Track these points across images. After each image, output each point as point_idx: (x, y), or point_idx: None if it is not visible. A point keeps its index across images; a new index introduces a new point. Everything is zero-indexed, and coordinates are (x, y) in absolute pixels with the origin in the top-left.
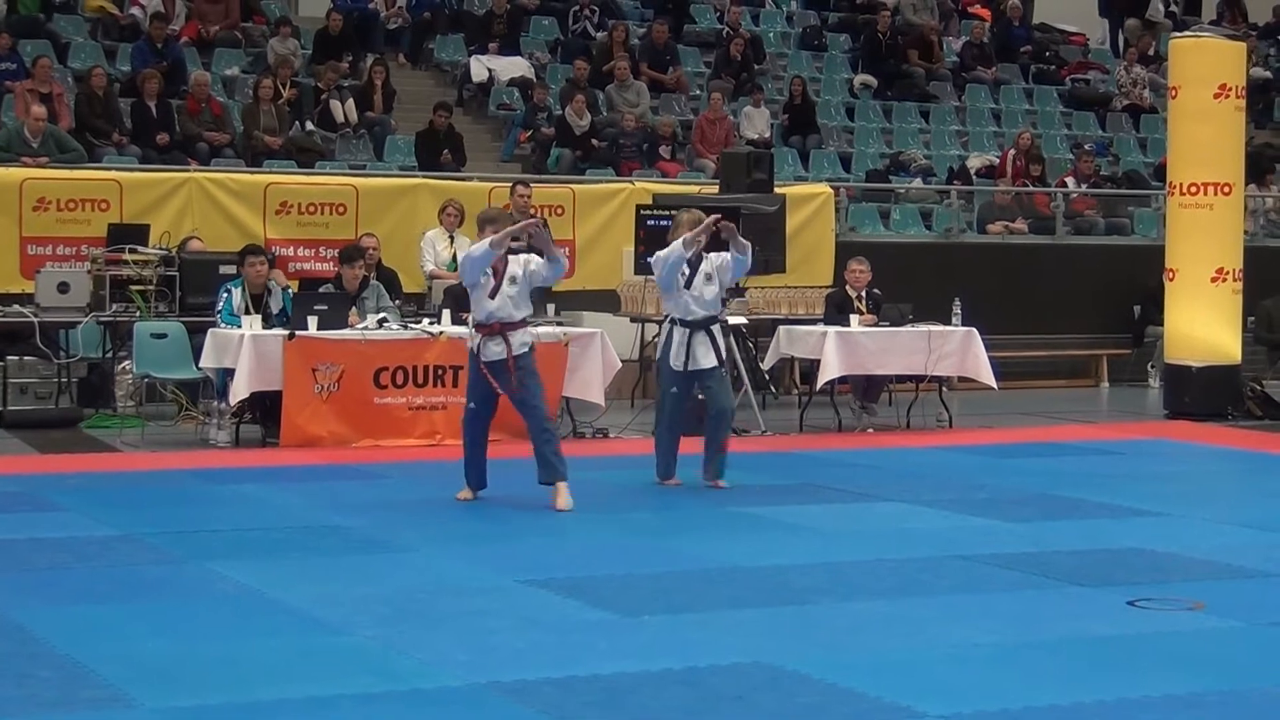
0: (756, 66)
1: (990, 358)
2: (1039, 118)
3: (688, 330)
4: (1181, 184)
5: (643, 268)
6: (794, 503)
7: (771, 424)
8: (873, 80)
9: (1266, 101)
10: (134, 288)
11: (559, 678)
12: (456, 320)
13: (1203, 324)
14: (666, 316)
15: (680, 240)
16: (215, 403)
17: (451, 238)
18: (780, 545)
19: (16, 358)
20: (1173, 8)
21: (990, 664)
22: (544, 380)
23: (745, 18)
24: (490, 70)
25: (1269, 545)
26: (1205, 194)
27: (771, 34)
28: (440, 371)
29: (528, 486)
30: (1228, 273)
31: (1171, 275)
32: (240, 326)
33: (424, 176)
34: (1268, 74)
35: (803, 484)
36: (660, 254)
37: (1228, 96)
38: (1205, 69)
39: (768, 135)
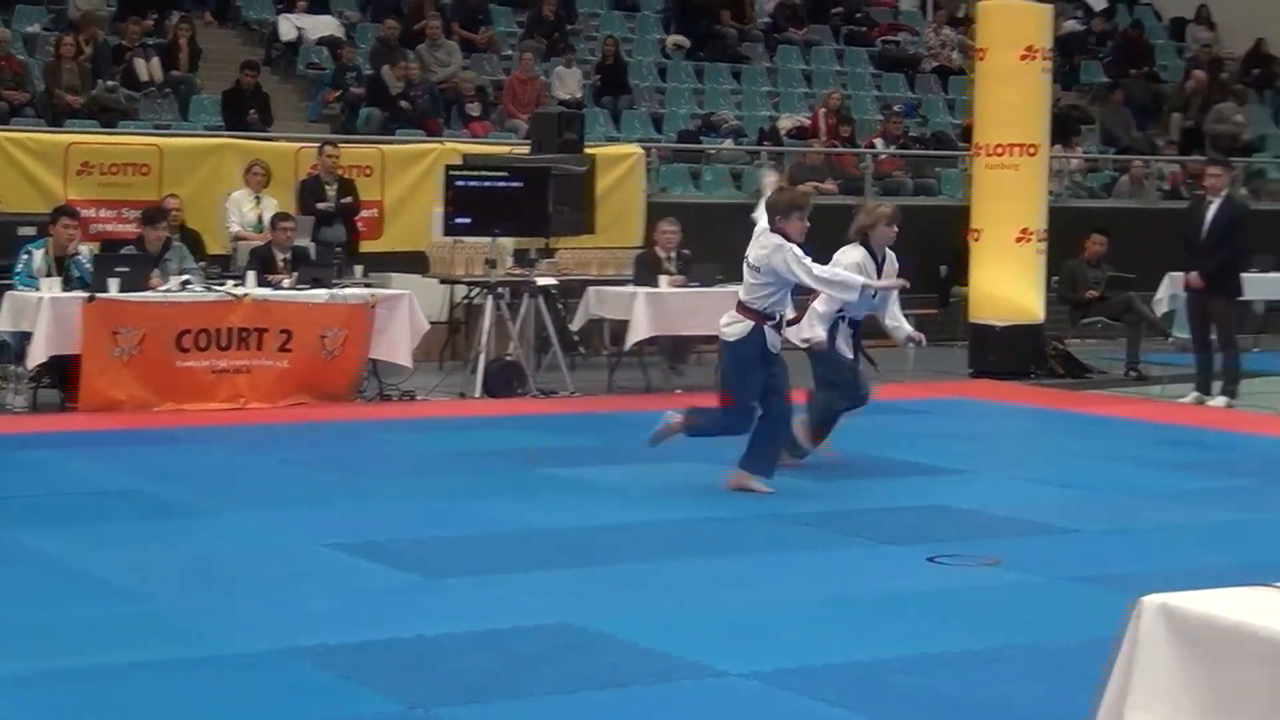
0: (569, 26)
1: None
2: (849, 79)
3: (852, 330)
4: (987, 145)
5: (452, 229)
6: (601, 464)
7: (580, 385)
8: (685, 41)
9: (1073, 64)
10: None
11: (360, 641)
12: (262, 282)
13: (1007, 283)
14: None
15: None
16: (12, 367)
17: (258, 198)
18: (587, 506)
19: None
20: None
21: (792, 622)
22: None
23: None
24: (299, 29)
25: (1067, 501)
26: (1010, 155)
27: None
28: (245, 334)
29: (334, 449)
30: (1032, 233)
31: (976, 235)
32: (38, 289)
33: (230, 136)
34: (1080, 29)
35: (610, 445)
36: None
37: (1034, 59)
38: (1012, 31)
39: (579, 95)
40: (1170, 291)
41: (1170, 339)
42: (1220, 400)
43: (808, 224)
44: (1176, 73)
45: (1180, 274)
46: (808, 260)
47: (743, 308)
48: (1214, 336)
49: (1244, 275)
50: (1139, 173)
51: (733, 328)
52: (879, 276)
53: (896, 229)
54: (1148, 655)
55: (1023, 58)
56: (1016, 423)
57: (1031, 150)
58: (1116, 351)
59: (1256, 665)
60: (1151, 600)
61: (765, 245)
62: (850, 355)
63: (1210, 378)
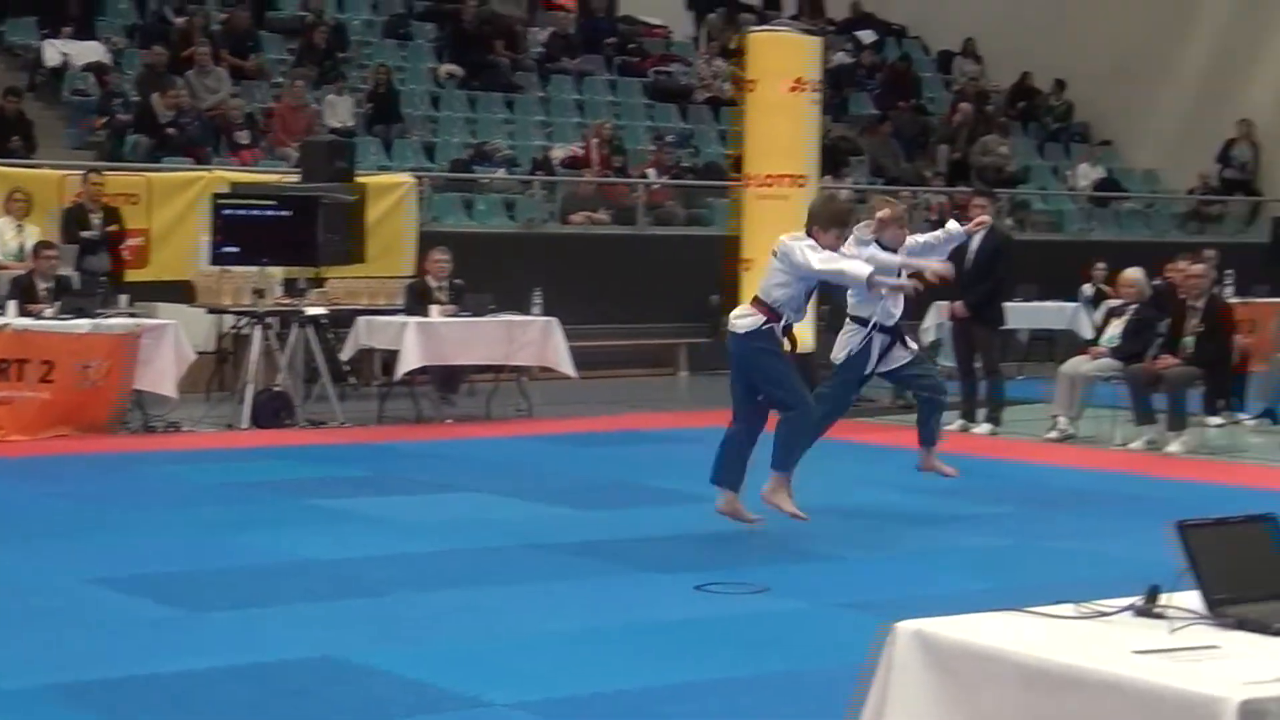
0: (340, 54)
1: (571, 347)
2: (622, 109)
3: (888, 336)
4: (757, 176)
5: (219, 258)
6: (370, 494)
7: (350, 415)
8: (458, 70)
9: (842, 96)
10: None
11: (119, 678)
12: (23, 312)
13: None
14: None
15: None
16: None
17: (19, 226)
18: (355, 538)
19: None
20: (755, 2)
21: (560, 651)
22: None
23: (329, 5)
24: (64, 55)
25: (836, 528)
26: (780, 186)
27: (356, 22)
28: (4, 365)
29: (96, 482)
30: None
31: (747, 265)
32: None
33: None
34: (850, 61)
35: (380, 475)
36: (865, 256)
37: (803, 90)
38: (781, 63)
39: (351, 124)
40: (936, 320)
41: (937, 367)
42: (984, 428)
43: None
44: (944, 105)
45: (945, 303)
46: (823, 252)
47: (756, 300)
48: (978, 365)
49: (1007, 305)
50: (906, 203)
51: (742, 320)
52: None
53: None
54: (901, 680)
55: (792, 89)
56: None
57: (801, 181)
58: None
59: (1007, 688)
60: (905, 626)
61: (795, 237)
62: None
63: (975, 405)
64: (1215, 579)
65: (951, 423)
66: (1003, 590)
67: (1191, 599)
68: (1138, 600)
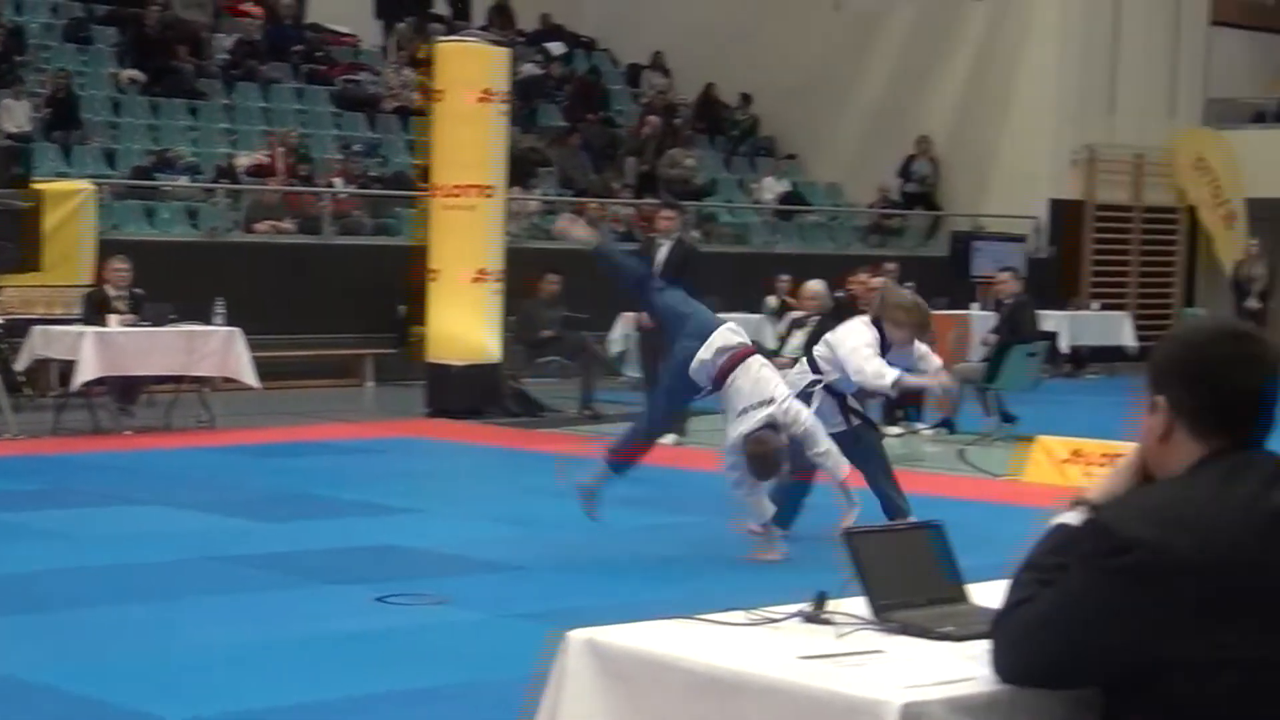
0: (17, 58)
1: (255, 358)
2: (309, 117)
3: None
4: (445, 186)
5: None
6: (45, 508)
7: (25, 427)
8: (140, 76)
9: (531, 107)
10: None
11: None
12: None
13: (464, 324)
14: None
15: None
16: None
17: None
18: (28, 552)
19: None
20: (445, 11)
21: (236, 665)
22: None
23: (7, 7)
24: None
25: (517, 538)
26: (467, 196)
27: (34, 25)
28: None
29: None
30: (488, 273)
31: (434, 276)
32: None
33: None
34: (539, 73)
35: (56, 488)
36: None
37: (491, 101)
38: (469, 73)
39: (28, 129)
40: (623, 331)
41: (622, 378)
42: (670, 438)
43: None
44: (632, 118)
45: (633, 314)
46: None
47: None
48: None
49: None
50: (594, 215)
51: None
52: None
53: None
54: (573, 689)
55: (480, 100)
56: (471, 461)
57: (488, 191)
58: (571, 390)
59: (677, 695)
60: (577, 635)
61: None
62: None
63: None
64: (881, 585)
65: None
66: (683, 599)
67: (858, 605)
68: (806, 606)
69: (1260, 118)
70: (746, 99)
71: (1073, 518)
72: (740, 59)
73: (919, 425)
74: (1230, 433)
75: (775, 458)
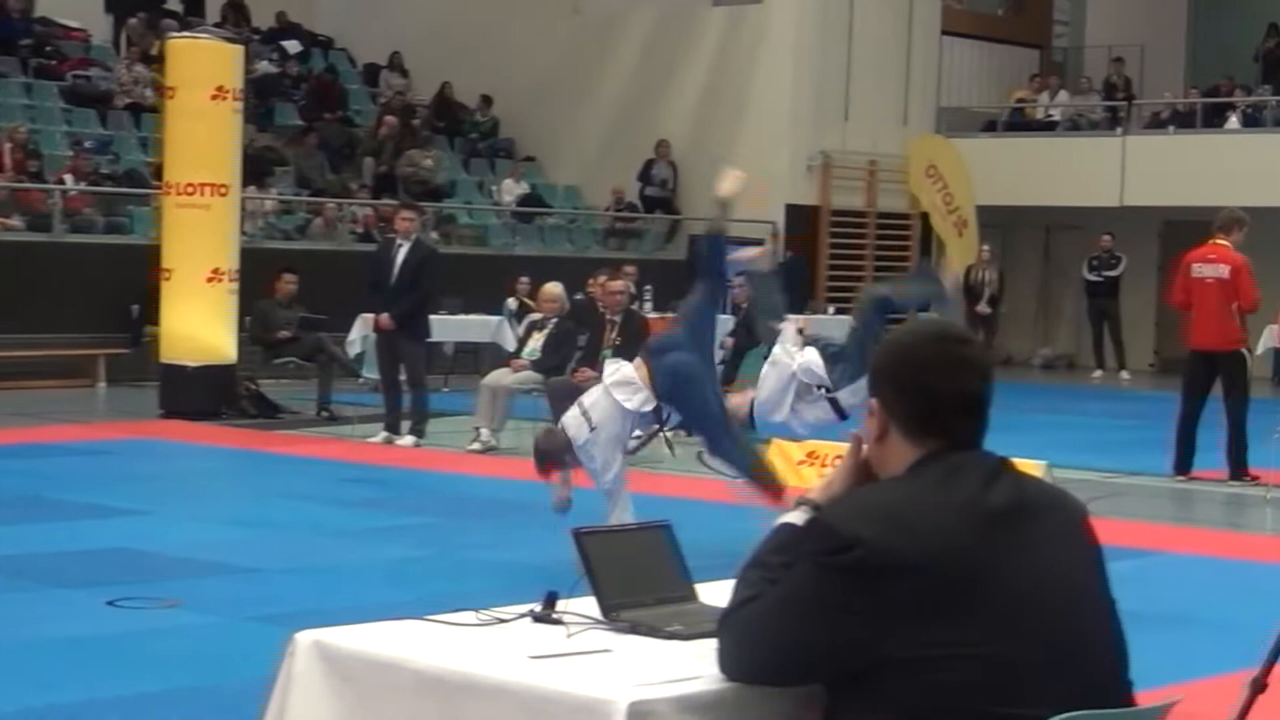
0: None
1: None
2: (38, 113)
3: None
4: (178, 184)
5: None
6: None
7: None
8: None
9: (267, 105)
10: None
11: None
12: None
13: (199, 323)
14: None
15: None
16: None
17: None
18: None
19: None
20: (178, 7)
21: None
22: None
23: None
24: None
25: (252, 541)
26: (202, 195)
27: None
28: None
29: None
30: (224, 273)
31: (168, 275)
32: None
33: None
34: (275, 71)
35: None
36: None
37: (225, 99)
38: (202, 71)
39: None
40: (362, 333)
41: (361, 379)
42: (408, 439)
43: None
44: (370, 117)
45: (371, 315)
46: None
47: None
48: (403, 377)
49: (433, 317)
50: (332, 215)
51: None
52: None
53: None
54: (301, 692)
55: (213, 97)
56: (205, 463)
57: (223, 190)
58: (308, 392)
59: (405, 696)
60: (304, 636)
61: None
62: None
63: (399, 417)
64: (611, 584)
65: (376, 435)
66: (419, 600)
67: (589, 604)
68: (536, 606)
69: (991, 126)
70: (486, 100)
71: (796, 517)
72: (479, 60)
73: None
74: (943, 434)
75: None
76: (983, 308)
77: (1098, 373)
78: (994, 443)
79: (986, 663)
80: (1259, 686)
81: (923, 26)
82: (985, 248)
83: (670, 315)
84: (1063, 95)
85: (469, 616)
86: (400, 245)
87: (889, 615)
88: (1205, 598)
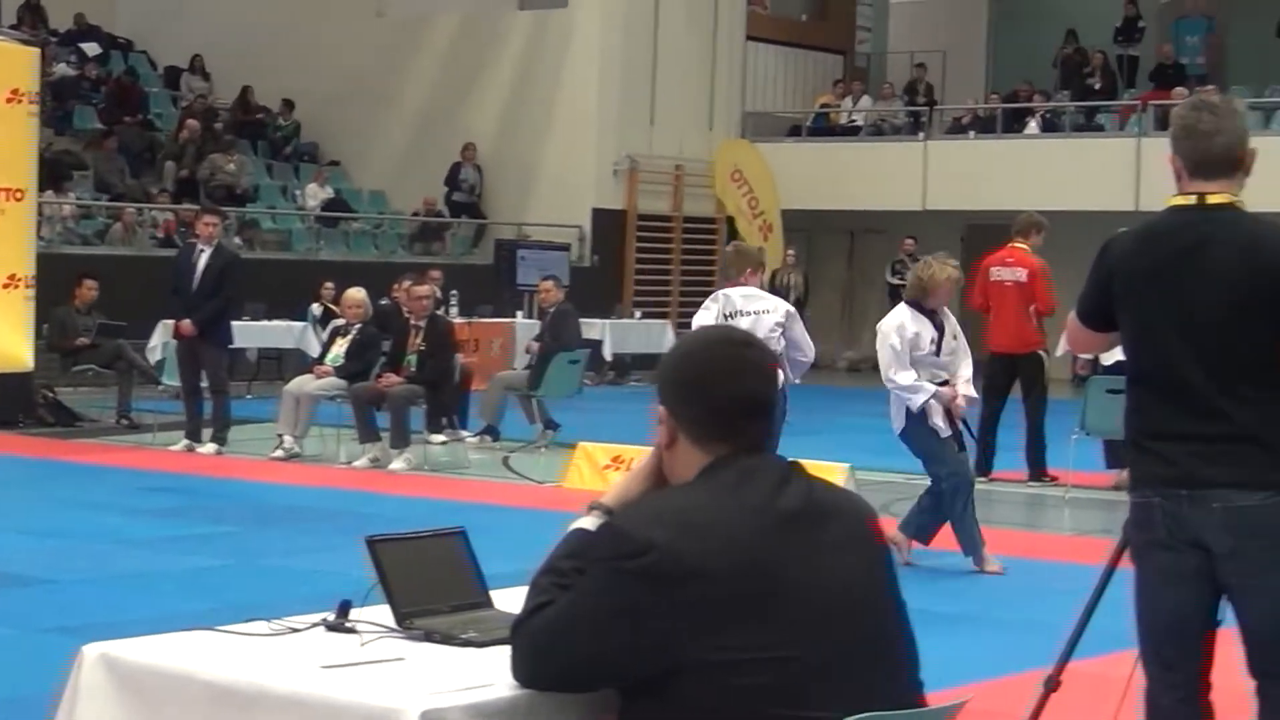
0: None
1: None
2: None
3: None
4: None
5: None
6: None
7: None
8: None
9: (66, 108)
10: None
11: None
12: None
13: None
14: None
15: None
16: None
17: None
18: None
19: None
20: None
21: None
22: None
23: None
24: None
25: (48, 551)
26: None
27: None
28: None
29: None
30: (20, 279)
31: None
32: None
33: None
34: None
35: None
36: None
37: (20, 102)
38: None
39: None
40: (163, 339)
41: (162, 386)
42: (210, 447)
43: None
44: (171, 121)
45: (172, 321)
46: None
47: None
48: (205, 384)
49: (236, 323)
50: (131, 220)
51: None
52: (939, 345)
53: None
54: (88, 704)
55: (9, 100)
56: (0, 472)
57: (19, 195)
58: (108, 399)
59: (196, 708)
60: (92, 649)
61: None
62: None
63: (201, 425)
64: (405, 592)
65: (177, 443)
66: (216, 610)
67: (383, 613)
68: (329, 615)
69: (796, 131)
70: (288, 104)
71: (589, 522)
72: (282, 63)
73: (464, 433)
74: (730, 438)
75: None
76: None
77: None
78: (799, 445)
79: (779, 665)
80: (1052, 684)
81: (727, 32)
82: (790, 251)
83: (476, 320)
84: (866, 100)
85: (261, 626)
86: (202, 250)
87: (682, 620)
88: (1003, 597)
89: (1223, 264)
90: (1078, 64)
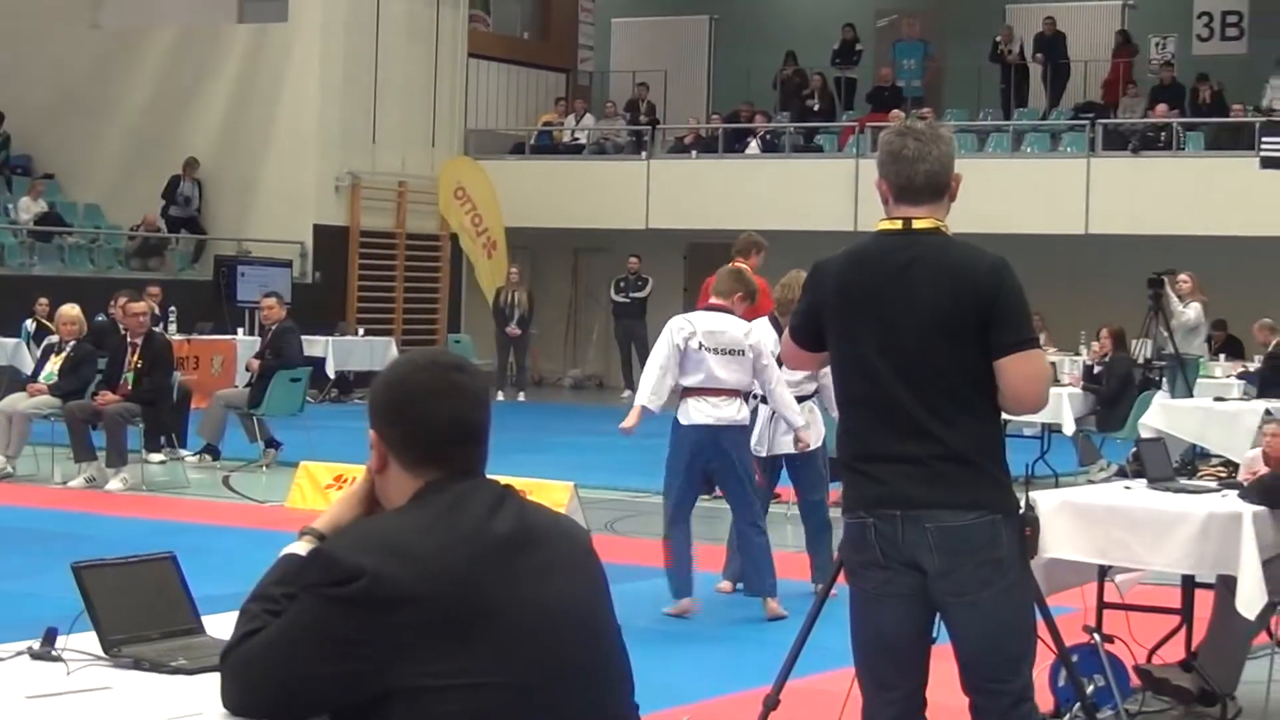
0: None
1: None
2: None
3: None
4: None
5: None
6: None
7: None
8: None
9: None
10: None
11: None
12: None
13: None
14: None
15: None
16: None
17: None
18: None
19: None
20: None
21: None
22: None
23: None
24: None
25: None
26: None
27: None
28: None
29: None
30: None
31: None
32: None
33: None
34: None
35: None
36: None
37: None
38: None
39: None
40: None
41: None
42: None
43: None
44: None
45: None
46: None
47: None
48: None
49: None
50: None
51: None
52: None
53: None
54: None
55: None
56: None
57: None
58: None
59: None
60: None
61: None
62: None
63: None
64: (113, 619)
65: None
66: None
67: (90, 640)
68: (34, 643)
69: (519, 149)
70: None
71: (300, 547)
72: None
73: (184, 452)
74: (442, 463)
75: None
76: (513, 329)
77: (626, 393)
78: (525, 464)
79: (493, 692)
80: (772, 703)
81: (449, 49)
82: (514, 269)
83: (196, 337)
84: (589, 119)
85: None
86: None
87: (393, 646)
88: (721, 614)
89: (927, 288)
90: (797, 85)
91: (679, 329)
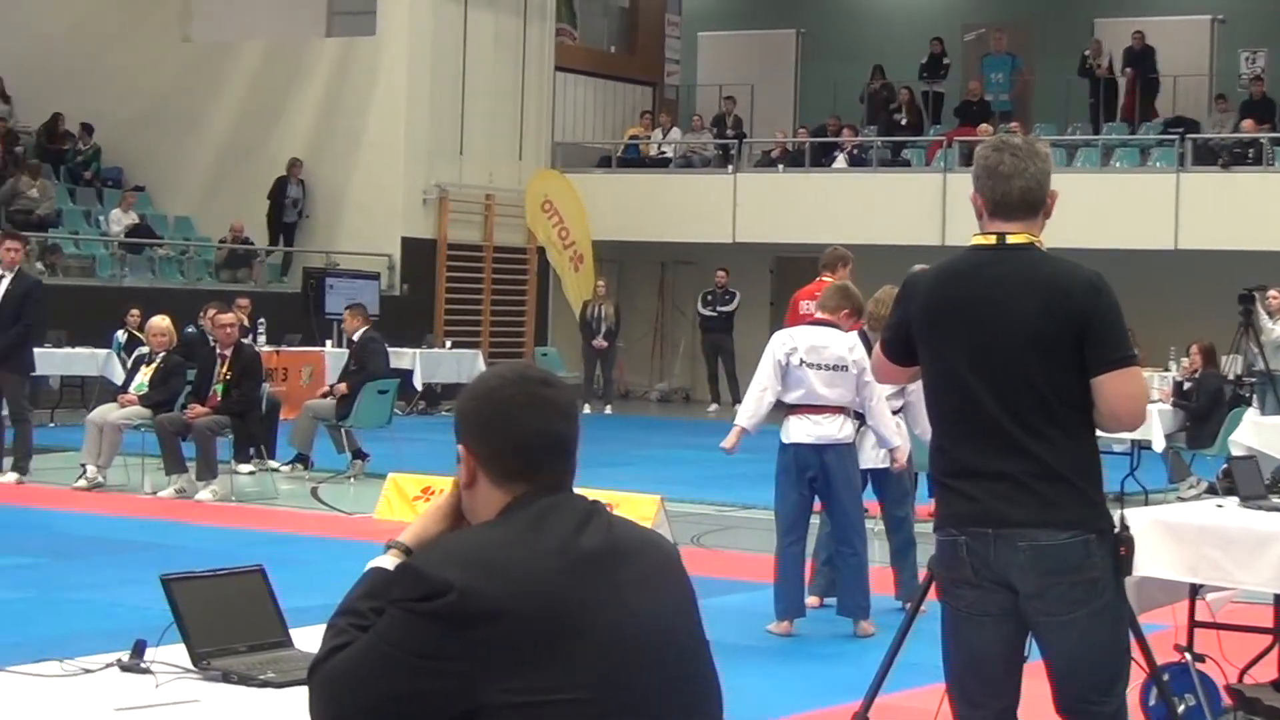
0: None
1: None
2: None
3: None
4: None
5: None
6: None
7: None
8: None
9: None
10: None
11: None
12: None
13: None
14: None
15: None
16: None
17: None
18: None
19: None
20: None
21: None
22: None
23: None
24: None
25: None
26: None
27: None
28: None
29: None
30: None
31: None
32: None
33: None
34: None
35: None
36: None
37: None
38: None
39: None
40: None
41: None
42: (11, 476)
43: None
44: None
45: None
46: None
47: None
48: (5, 412)
49: (38, 350)
50: None
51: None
52: None
53: None
54: None
55: None
56: None
57: None
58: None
59: None
60: None
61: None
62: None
63: (1, 453)
64: (201, 631)
65: None
66: (14, 646)
67: (180, 652)
68: (123, 656)
69: (606, 162)
70: (87, 128)
71: (387, 561)
72: (86, 87)
73: (273, 463)
74: (530, 477)
75: None
76: (599, 342)
77: (713, 407)
78: (611, 477)
79: (581, 708)
80: (861, 719)
81: (535, 62)
82: (601, 283)
83: (284, 349)
84: (675, 133)
85: (53, 667)
86: (3, 277)
87: (481, 662)
88: (811, 630)
89: (1020, 302)
90: (884, 99)
91: (781, 345)
